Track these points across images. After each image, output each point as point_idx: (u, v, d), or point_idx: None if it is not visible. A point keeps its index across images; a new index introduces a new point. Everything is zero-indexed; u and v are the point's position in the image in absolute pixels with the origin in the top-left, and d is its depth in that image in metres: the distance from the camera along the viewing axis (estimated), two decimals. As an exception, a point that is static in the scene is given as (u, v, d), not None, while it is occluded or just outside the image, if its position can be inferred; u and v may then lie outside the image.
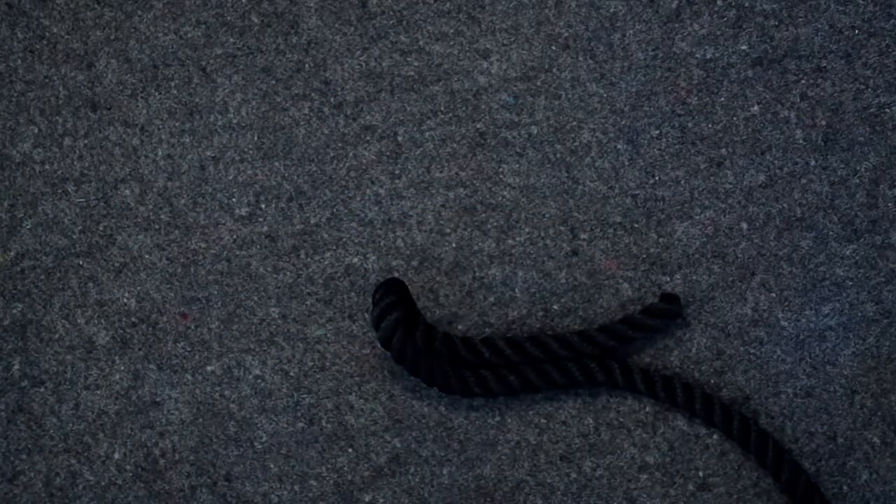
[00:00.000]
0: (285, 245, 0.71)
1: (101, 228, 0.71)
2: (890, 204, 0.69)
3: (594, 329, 0.68)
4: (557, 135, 0.70)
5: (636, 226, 0.70)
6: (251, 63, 0.72)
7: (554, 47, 0.71)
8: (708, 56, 0.70)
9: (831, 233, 0.69)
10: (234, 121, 0.71)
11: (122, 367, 0.70)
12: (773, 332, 0.68)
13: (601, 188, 0.70)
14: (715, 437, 0.68)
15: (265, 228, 0.71)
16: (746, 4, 0.70)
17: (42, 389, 0.71)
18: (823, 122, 0.70)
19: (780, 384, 0.68)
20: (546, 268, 0.70)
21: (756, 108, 0.70)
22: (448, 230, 0.70)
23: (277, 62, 0.72)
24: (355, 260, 0.70)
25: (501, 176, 0.70)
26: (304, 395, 0.70)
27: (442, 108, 0.71)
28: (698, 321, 0.69)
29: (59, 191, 0.72)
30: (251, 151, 0.71)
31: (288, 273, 0.70)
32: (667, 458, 0.68)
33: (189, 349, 0.70)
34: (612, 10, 0.71)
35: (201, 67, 0.72)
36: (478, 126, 0.71)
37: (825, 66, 0.70)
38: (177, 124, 0.72)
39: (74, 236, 0.71)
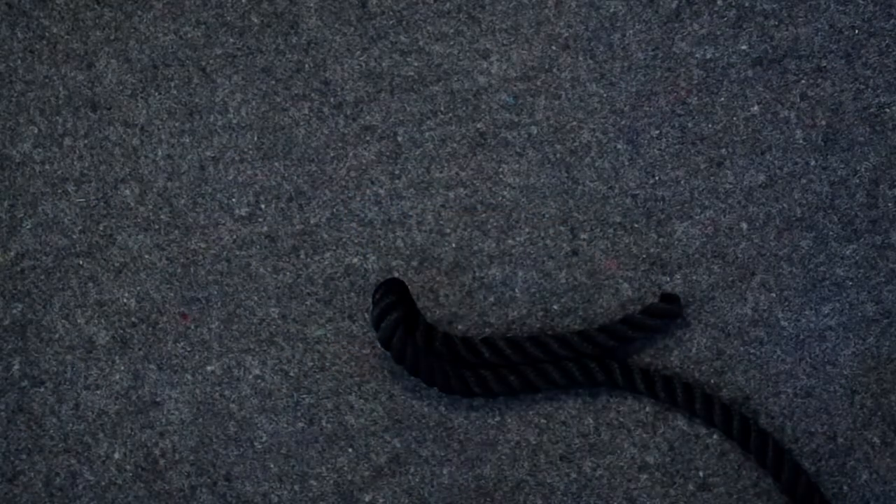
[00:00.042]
0: (285, 245, 0.71)
1: (101, 228, 0.71)
2: (890, 204, 0.69)
3: (594, 329, 0.68)
4: (557, 135, 0.70)
5: (636, 226, 0.70)
6: (251, 63, 0.72)
7: (554, 47, 0.71)
8: (708, 56, 0.70)
9: (831, 233, 0.69)
10: (234, 121, 0.71)
11: (122, 367, 0.70)
12: (773, 332, 0.68)
13: (601, 188, 0.70)
14: (715, 437, 0.68)
15: (265, 228, 0.71)
16: (746, 4, 0.70)
17: (42, 389, 0.71)
18: (823, 122, 0.70)
19: (780, 384, 0.68)
20: (546, 268, 0.70)
21: (756, 108, 0.70)
22: (448, 230, 0.70)
23: (277, 62, 0.72)
24: (355, 260, 0.70)
25: (501, 176, 0.70)
26: (304, 395, 0.70)
27: (442, 108, 0.71)
28: (698, 321, 0.69)
29: (59, 191, 0.72)
30: (251, 151, 0.71)
31: (288, 273, 0.70)
32: (667, 458, 0.68)
33: (189, 349, 0.70)
34: (612, 10, 0.71)
35: (201, 67, 0.72)
36: (478, 126, 0.71)
37: (825, 66, 0.70)
38: (177, 124, 0.72)
39: (74, 236, 0.71)
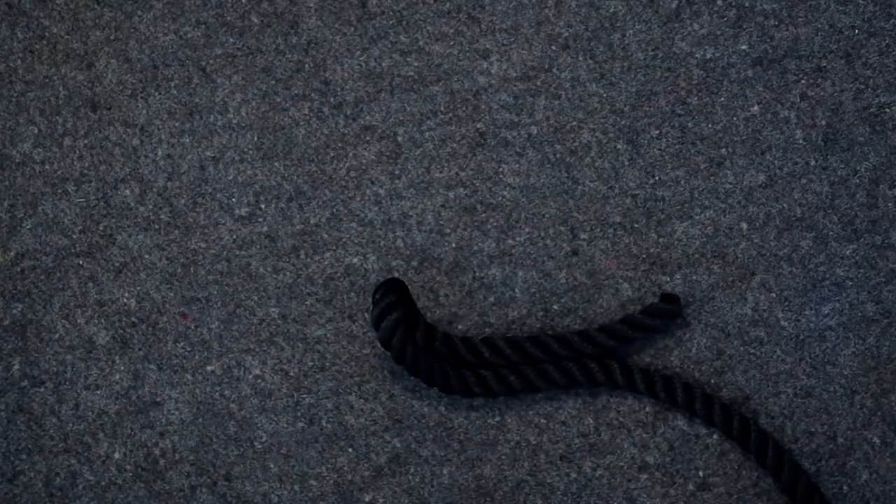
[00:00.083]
0: (285, 245, 0.71)
1: (101, 228, 0.71)
2: (890, 204, 0.69)
3: (594, 329, 0.68)
4: (557, 135, 0.70)
5: (636, 226, 0.70)
6: (251, 63, 0.72)
7: (554, 47, 0.71)
8: (708, 56, 0.70)
9: (831, 233, 0.69)
10: (234, 121, 0.71)
11: (122, 367, 0.70)
12: (773, 332, 0.68)
13: (601, 188, 0.70)
14: (715, 437, 0.68)
15: (265, 228, 0.71)
16: (746, 4, 0.70)
17: (42, 389, 0.71)
18: (823, 122, 0.70)
19: (780, 384, 0.68)
20: (546, 268, 0.70)
21: (756, 108, 0.70)
22: (448, 230, 0.70)
23: (277, 62, 0.72)
24: (355, 260, 0.70)
25: (501, 176, 0.70)
26: (304, 395, 0.70)
27: (442, 108, 0.71)
28: (698, 321, 0.69)
29: (59, 191, 0.72)
30: (251, 151, 0.71)
31: (288, 273, 0.70)
32: (667, 458, 0.68)
33: (189, 349, 0.70)
34: (612, 10, 0.71)
35: (201, 67, 0.72)
36: (478, 126, 0.71)
37: (825, 66, 0.70)
38: (177, 124, 0.72)
39: (74, 236, 0.71)
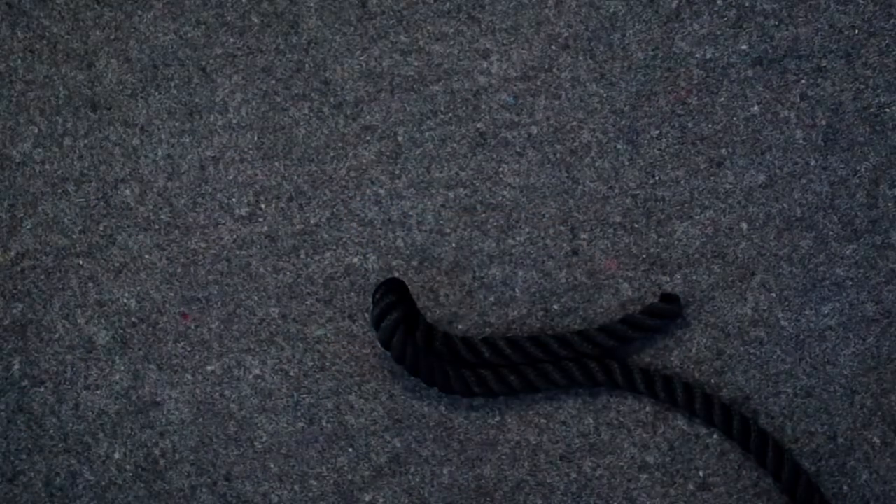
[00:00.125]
0: (285, 245, 0.71)
1: (101, 228, 0.71)
2: (890, 204, 0.69)
3: (594, 329, 0.68)
4: (557, 135, 0.70)
5: (636, 226, 0.70)
6: (251, 63, 0.72)
7: (554, 47, 0.71)
8: (708, 56, 0.70)
9: (831, 233, 0.69)
10: (234, 121, 0.71)
11: (122, 367, 0.70)
12: (773, 332, 0.68)
13: (601, 188, 0.70)
14: (715, 436, 0.68)
15: (265, 228, 0.71)
16: (746, 4, 0.70)
17: (42, 389, 0.71)
18: (823, 122, 0.70)
19: (780, 384, 0.68)
20: (546, 268, 0.70)
21: (756, 108, 0.70)
22: (448, 230, 0.70)
23: (277, 62, 0.72)
24: (355, 260, 0.70)
25: (501, 176, 0.70)
26: (304, 395, 0.70)
27: (442, 108, 0.71)
28: (698, 321, 0.69)
29: (59, 191, 0.72)
30: (251, 151, 0.71)
31: (288, 273, 0.70)
32: (667, 458, 0.68)
33: (189, 349, 0.70)
34: (612, 10, 0.71)
35: (201, 67, 0.72)
36: (478, 126, 0.71)
37: (825, 66, 0.70)
38: (177, 124, 0.72)
39: (74, 236, 0.71)
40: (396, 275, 0.70)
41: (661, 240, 0.69)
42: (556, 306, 0.69)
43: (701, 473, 0.68)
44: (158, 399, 0.70)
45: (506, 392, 0.68)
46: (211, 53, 0.72)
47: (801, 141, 0.70)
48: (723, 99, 0.70)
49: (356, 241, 0.70)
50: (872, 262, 0.69)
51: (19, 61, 0.73)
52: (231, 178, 0.71)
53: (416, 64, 0.71)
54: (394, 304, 0.65)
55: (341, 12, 0.72)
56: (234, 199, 0.71)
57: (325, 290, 0.70)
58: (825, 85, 0.70)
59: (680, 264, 0.69)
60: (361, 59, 0.71)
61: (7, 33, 0.73)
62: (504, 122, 0.70)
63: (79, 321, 0.71)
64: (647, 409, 0.68)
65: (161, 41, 0.72)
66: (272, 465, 0.69)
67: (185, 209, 0.71)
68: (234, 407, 0.70)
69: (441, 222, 0.70)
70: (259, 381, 0.70)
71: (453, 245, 0.70)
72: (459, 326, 0.70)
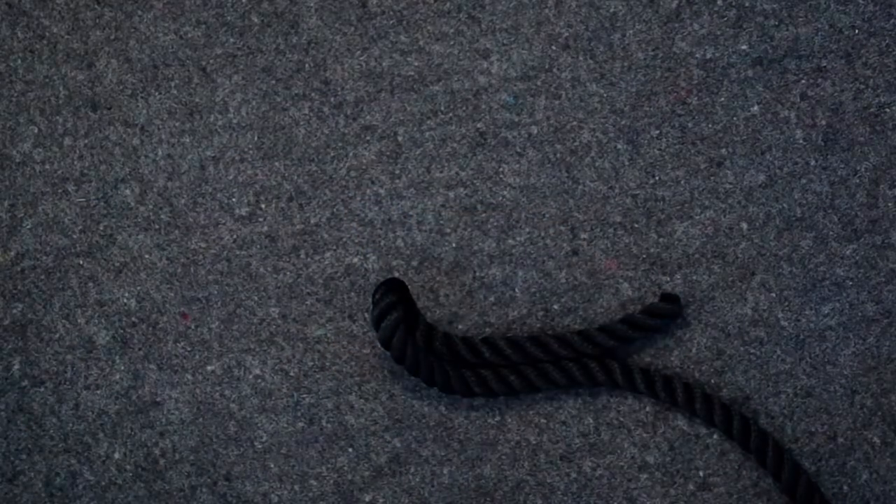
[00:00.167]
0: (285, 245, 0.71)
1: (101, 228, 0.71)
2: (890, 204, 0.69)
3: (594, 329, 0.68)
4: (557, 135, 0.70)
5: (636, 226, 0.70)
6: (251, 63, 0.72)
7: (554, 47, 0.71)
8: (708, 56, 0.70)
9: (831, 233, 0.69)
10: (234, 121, 0.71)
11: (122, 367, 0.70)
12: (773, 332, 0.68)
13: (601, 188, 0.70)
14: (715, 436, 0.68)
15: (265, 228, 0.71)
16: (746, 4, 0.70)
17: (42, 389, 0.71)
18: (823, 122, 0.70)
19: (780, 384, 0.68)
20: (546, 267, 0.70)
21: (756, 108, 0.70)
22: (448, 230, 0.70)
23: (277, 62, 0.72)
24: (355, 260, 0.70)
25: (501, 176, 0.70)
26: (304, 395, 0.70)
27: (442, 108, 0.71)
28: (698, 321, 0.69)
29: (60, 191, 0.72)
30: (251, 151, 0.71)
31: (288, 273, 0.70)
32: (667, 458, 0.68)
33: (189, 349, 0.70)
34: (612, 10, 0.71)
35: (201, 67, 0.72)
36: (478, 126, 0.71)
37: (825, 66, 0.70)
38: (177, 124, 0.72)
39: (74, 236, 0.71)
40: (396, 275, 0.70)
41: (661, 240, 0.69)
42: (556, 306, 0.69)
43: (701, 473, 0.68)
44: (158, 399, 0.70)
45: (506, 392, 0.68)
46: (211, 53, 0.72)
47: (801, 141, 0.70)
48: (723, 99, 0.70)
49: (356, 241, 0.70)
50: (872, 262, 0.69)
51: (19, 61, 0.73)
52: (231, 178, 0.71)
53: (416, 64, 0.71)
54: (394, 304, 0.65)
55: (341, 12, 0.72)
56: (234, 199, 0.71)
57: (326, 290, 0.70)
58: (825, 85, 0.70)
59: (680, 264, 0.69)
60: (361, 59, 0.71)
61: (7, 33, 0.73)
62: (504, 122, 0.70)
63: (79, 321, 0.71)
64: (648, 409, 0.68)
65: (161, 41, 0.72)
66: (272, 465, 0.69)
67: (185, 209, 0.71)
68: (234, 407, 0.70)
69: (441, 222, 0.70)
70: (259, 381, 0.70)
71: (453, 245, 0.70)
72: (459, 326, 0.70)
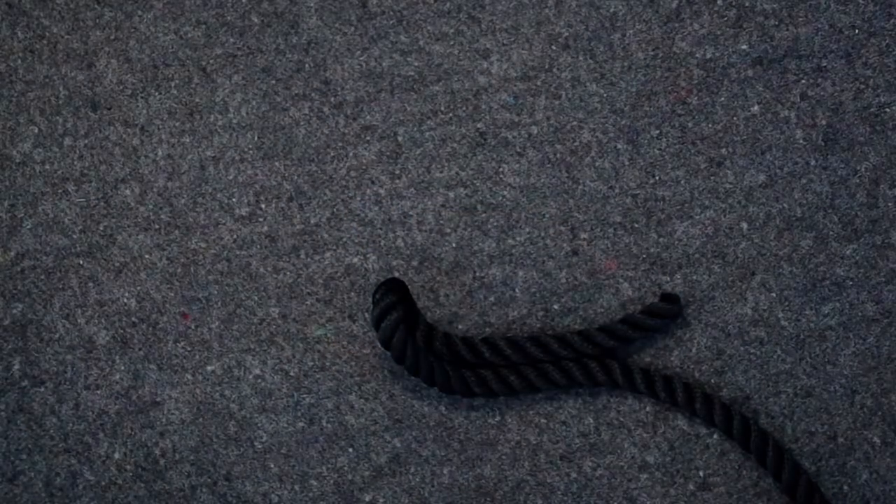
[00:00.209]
0: (285, 245, 0.71)
1: (101, 228, 0.71)
2: (890, 204, 0.69)
3: (594, 329, 0.68)
4: (557, 135, 0.70)
5: (636, 226, 0.70)
6: (251, 63, 0.72)
7: (554, 47, 0.71)
8: (708, 56, 0.70)
9: (831, 233, 0.69)
10: (234, 121, 0.71)
11: (123, 367, 0.70)
12: (773, 332, 0.68)
13: (601, 188, 0.70)
14: (715, 436, 0.68)
15: (265, 228, 0.71)
16: (746, 4, 0.70)
17: (42, 389, 0.71)
18: (823, 122, 0.70)
19: (781, 384, 0.68)
20: (546, 267, 0.70)
21: (756, 107, 0.70)
22: (448, 230, 0.70)
23: (277, 62, 0.72)
24: (355, 260, 0.70)
25: (501, 176, 0.70)
26: (305, 395, 0.70)
27: (442, 108, 0.71)
28: (698, 321, 0.69)
29: (60, 191, 0.72)
30: (251, 151, 0.71)
31: (288, 273, 0.70)
32: (667, 458, 0.68)
33: (189, 349, 0.70)
34: (612, 10, 0.71)
35: (201, 67, 0.72)
36: (478, 126, 0.71)
37: (825, 66, 0.70)
38: (177, 124, 0.72)
39: (74, 236, 0.71)
40: (396, 275, 0.70)
41: (661, 240, 0.69)
42: (556, 306, 0.69)
43: (701, 473, 0.68)
44: (158, 399, 0.70)
45: (506, 392, 0.68)
46: (211, 53, 0.72)
47: (801, 141, 0.70)
48: (723, 99, 0.70)
49: (356, 241, 0.70)
50: (872, 262, 0.69)
51: (19, 61, 0.73)
52: (231, 178, 0.71)
53: (416, 64, 0.71)
54: (394, 304, 0.65)
55: (341, 12, 0.72)
56: (234, 199, 0.71)
57: (326, 290, 0.70)
58: (825, 85, 0.70)
59: (680, 264, 0.69)
60: (361, 59, 0.71)
61: (7, 33, 0.73)
62: (504, 122, 0.70)
63: (79, 321, 0.71)
64: (648, 409, 0.68)
65: (161, 41, 0.72)
66: (272, 465, 0.69)
67: (185, 209, 0.71)
68: (234, 407, 0.70)
69: (441, 222, 0.70)
70: (259, 380, 0.70)
71: (453, 245, 0.70)
72: (459, 326, 0.70)
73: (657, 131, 0.70)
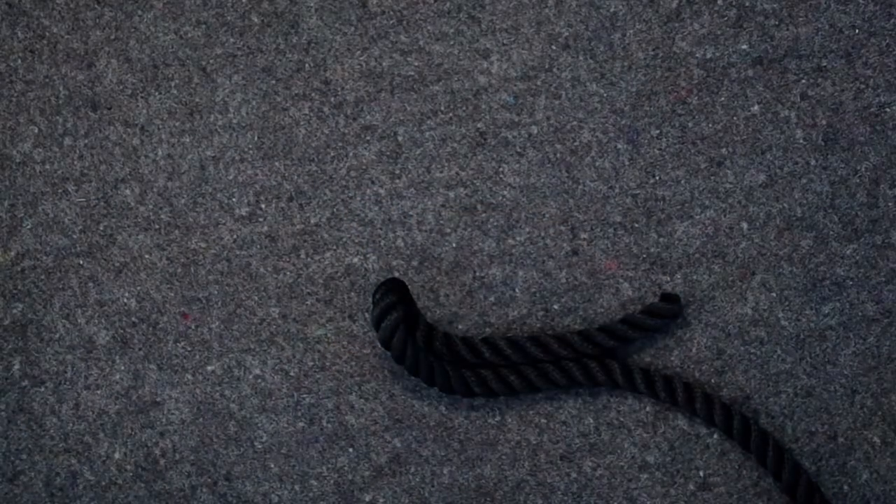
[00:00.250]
0: (285, 245, 0.71)
1: (101, 228, 0.71)
2: (890, 204, 0.69)
3: (594, 329, 0.68)
4: (557, 135, 0.70)
5: (636, 225, 0.70)
6: (251, 63, 0.72)
7: (554, 47, 0.71)
8: (708, 56, 0.70)
9: (831, 232, 0.69)
10: (235, 121, 0.71)
11: (123, 367, 0.70)
12: (773, 332, 0.68)
13: (601, 188, 0.70)
14: (715, 436, 0.68)
15: (265, 228, 0.71)
16: (747, 4, 0.70)
17: (42, 389, 0.71)
18: (824, 122, 0.70)
19: (781, 384, 0.68)
20: (546, 267, 0.70)
21: (756, 107, 0.70)
22: (448, 230, 0.70)
23: (277, 62, 0.72)
24: (355, 260, 0.70)
25: (502, 176, 0.70)
26: (305, 395, 0.70)
27: (442, 108, 0.71)
28: (698, 321, 0.69)
29: (60, 191, 0.72)
30: (251, 151, 0.71)
31: (288, 273, 0.70)
32: (667, 458, 0.68)
33: (189, 349, 0.70)
34: (612, 10, 0.71)
35: (201, 67, 0.72)
36: (478, 126, 0.71)
37: (825, 66, 0.70)
38: (177, 124, 0.72)
39: (74, 236, 0.71)
40: (396, 275, 0.70)
41: (661, 239, 0.69)
42: (556, 306, 0.69)
43: (701, 473, 0.68)
44: (158, 399, 0.70)
45: (506, 392, 0.68)
46: (211, 53, 0.72)
47: (801, 141, 0.70)
48: (723, 99, 0.70)
49: (356, 241, 0.70)
50: (873, 262, 0.69)
51: (19, 61, 0.73)
52: (231, 178, 0.71)
53: (416, 64, 0.71)
54: (394, 304, 0.65)
55: (341, 12, 0.72)
56: (234, 199, 0.71)
57: (326, 290, 0.70)
58: (825, 85, 0.70)
59: (680, 264, 0.69)
60: (361, 58, 0.71)
61: (7, 33, 0.73)
62: (504, 121, 0.70)
63: (79, 321, 0.71)
64: (648, 408, 0.68)
65: (161, 41, 0.72)
66: (272, 465, 0.69)
67: (185, 209, 0.71)
68: (234, 407, 0.70)
69: (441, 222, 0.70)
70: (259, 381, 0.70)
71: (453, 245, 0.70)
72: (459, 326, 0.70)
73: (657, 131, 0.70)
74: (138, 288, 0.71)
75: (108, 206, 0.71)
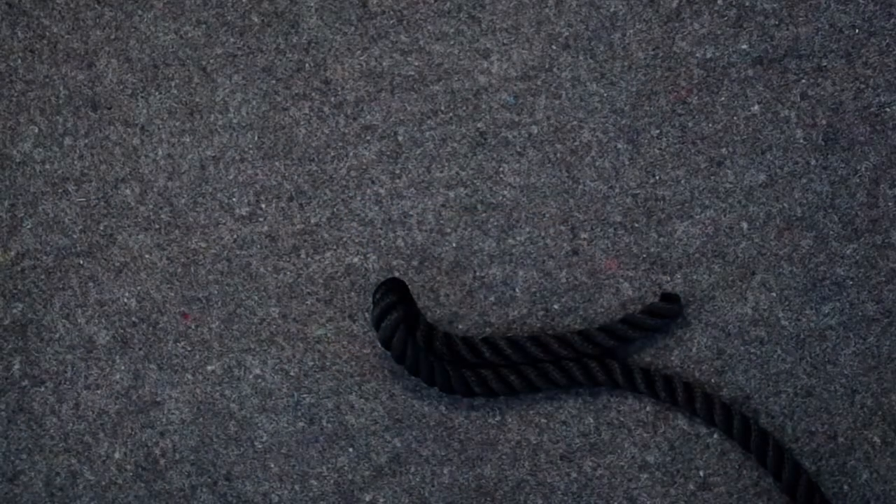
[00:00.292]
0: (285, 245, 0.71)
1: (101, 228, 0.71)
2: (890, 203, 0.69)
3: (594, 329, 0.68)
4: (558, 134, 0.70)
5: (636, 225, 0.70)
6: (251, 63, 0.72)
7: (554, 47, 0.71)
8: (708, 55, 0.70)
9: (831, 232, 0.69)
10: (235, 120, 0.71)
11: (123, 367, 0.70)
12: (773, 332, 0.68)
13: (601, 188, 0.70)
14: (715, 436, 0.68)
15: (265, 228, 0.71)
16: (747, 4, 0.70)
17: (42, 389, 0.71)
18: (824, 122, 0.70)
19: (781, 384, 0.68)
20: (546, 267, 0.70)
21: (756, 107, 0.70)
22: (448, 230, 0.70)
23: (278, 62, 0.72)
24: (355, 260, 0.70)
25: (502, 175, 0.70)
26: (305, 395, 0.70)
27: (442, 108, 0.71)
28: (698, 321, 0.69)
29: (60, 190, 0.72)
30: (251, 151, 0.71)
31: (288, 273, 0.70)
32: (667, 458, 0.68)
33: (189, 349, 0.70)
34: (612, 10, 0.71)
35: (201, 67, 0.72)
36: (478, 126, 0.71)
37: (825, 66, 0.70)
38: (177, 124, 0.72)
39: (75, 236, 0.71)
40: (396, 275, 0.70)
41: (661, 239, 0.69)
42: (556, 306, 0.69)
43: (701, 473, 0.68)
44: (159, 399, 0.70)
45: (506, 392, 0.68)
46: (211, 53, 0.72)
47: (801, 140, 0.70)
48: (723, 98, 0.70)
49: (356, 240, 0.70)
50: (873, 262, 0.69)
51: (19, 61, 0.73)
52: (231, 177, 0.71)
53: (416, 64, 0.71)
54: (394, 304, 0.65)
55: (341, 12, 0.72)
56: (234, 199, 0.71)
57: (326, 290, 0.70)
58: (825, 84, 0.70)
59: (680, 264, 0.69)
60: (361, 58, 0.71)
61: (7, 33, 0.73)
62: (504, 121, 0.70)
63: (79, 321, 0.71)
64: (648, 408, 0.68)
65: (161, 41, 0.72)
66: (272, 465, 0.69)
67: (185, 209, 0.71)
68: (234, 407, 0.70)
69: (441, 222, 0.70)
70: (259, 380, 0.70)
71: (453, 245, 0.70)
72: (460, 326, 0.70)
73: (657, 131, 0.70)
74: (138, 288, 0.71)
75: (108, 205, 0.71)
